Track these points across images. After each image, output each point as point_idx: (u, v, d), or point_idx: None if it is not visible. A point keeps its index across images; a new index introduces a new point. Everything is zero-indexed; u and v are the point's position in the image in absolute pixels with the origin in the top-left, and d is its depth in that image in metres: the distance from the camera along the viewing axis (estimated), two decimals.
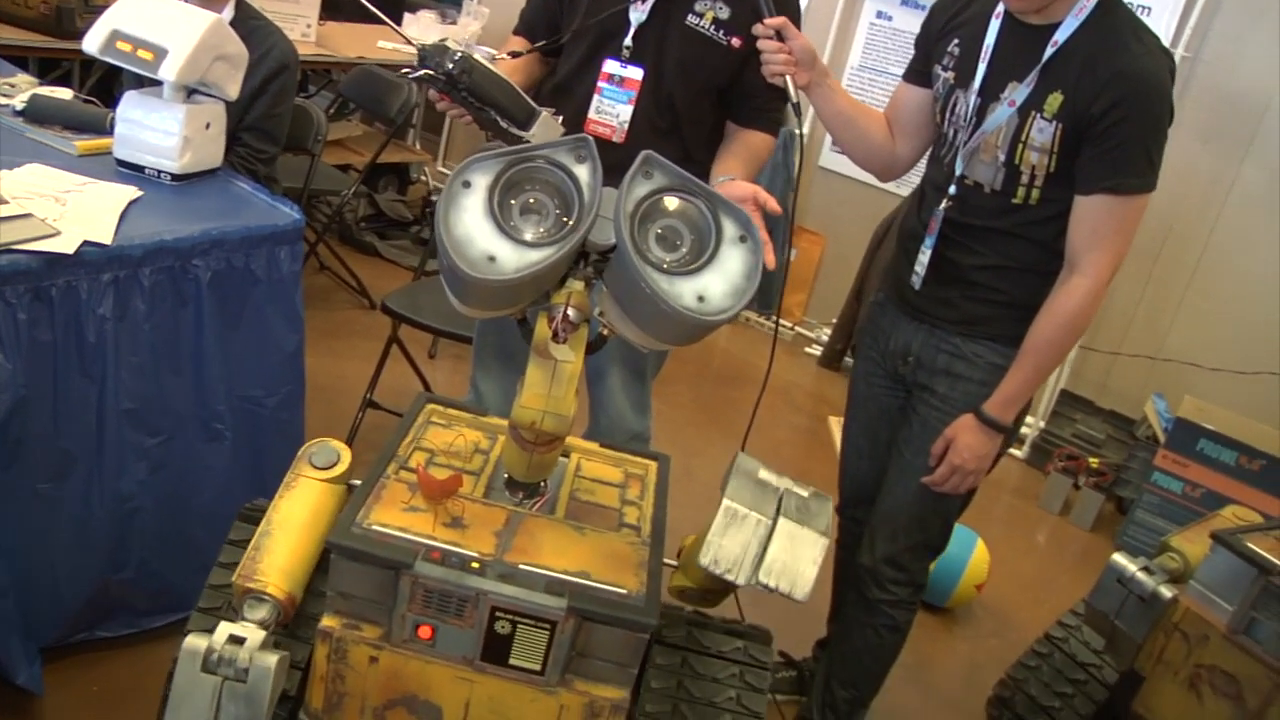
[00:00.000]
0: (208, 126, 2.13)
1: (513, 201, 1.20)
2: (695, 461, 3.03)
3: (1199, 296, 3.77)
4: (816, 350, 4.48)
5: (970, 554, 2.78)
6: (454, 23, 4.97)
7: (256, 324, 1.99)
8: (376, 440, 2.88)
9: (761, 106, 1.99)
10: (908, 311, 1.89)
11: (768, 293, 4.51)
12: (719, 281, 1.18)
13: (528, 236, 1.17)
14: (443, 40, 1.55)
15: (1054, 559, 3.46)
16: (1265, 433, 3.46)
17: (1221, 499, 3.29)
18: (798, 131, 1.80)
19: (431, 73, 1.53)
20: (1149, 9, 3.60)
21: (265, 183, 2.49)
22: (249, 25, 2.53)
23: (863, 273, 4.17)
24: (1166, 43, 3.54)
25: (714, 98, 1.96)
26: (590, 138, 1.20)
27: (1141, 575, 2.02)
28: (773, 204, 1.67)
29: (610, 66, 1.93)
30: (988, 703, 2.44)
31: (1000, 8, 1.70)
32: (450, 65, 1.52)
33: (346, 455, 1.44)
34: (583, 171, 1.20)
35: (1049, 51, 1.63)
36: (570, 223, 1.18)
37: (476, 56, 1.54)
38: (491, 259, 1.16)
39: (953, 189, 1.75)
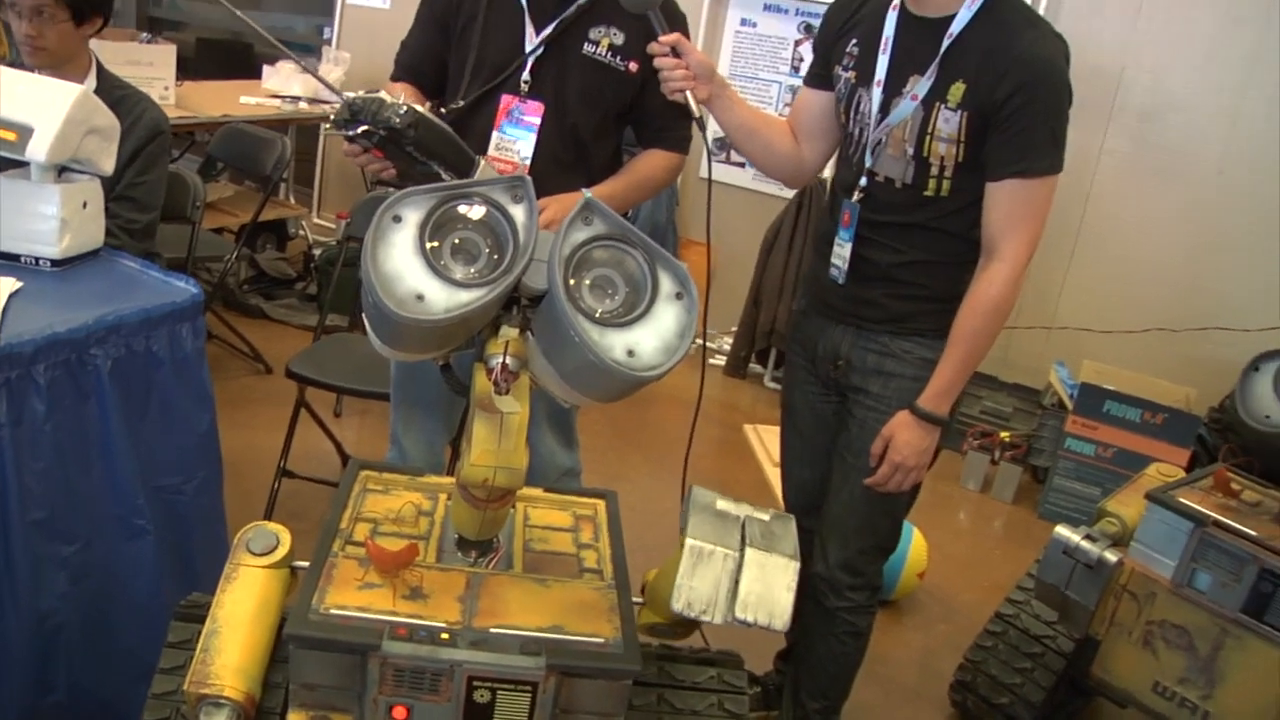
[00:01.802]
0: (85, 205, 2.02)
1: (444, 240, 1.14)
2: (621, 487, 2.96)
3: (1083, 264, 3.91)
4: (720, 360, 4.50)
5: (909, 544, 2.81)
6: (315, 71, 4.86)
7: (165, 408, 1.88)
8: (297, 509, 2.78)
9: (664, 127, 1.99)
10: (832, 316, 1.89)
11: None
12: (651, 337, 1.15)
13: (458, 276, 1.12)
14: (373, 91, 1.48)
15: (984, 536, 3.53)
16: (1163, 386, 3.60)
17: (1132, 456, 3.41)
18: (702, 133, 1.79)
19: (369, 128, 1.46)
20: None
21: (146, 257, 2.37)
22: (115, 95, 2.42)
23: (757, 279, 4.21)
24: None
25: (615, 124, 1.94)
26: (528, 178, 1.15)
27: (1086, 544, 2.06)
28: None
29: (508, 102, 1.89)
30: (950, 688, 2.47)
31: (895, 2, 1.72)
32: (396, 120, 1.45)
33: (286, 537, 1.37)
34: (519, 212, 1.15)
35: (946, 43, 1.65)
36: (503, 264, 1.14)
37: (420, 108, 1.47)
38: (420, 298, 1.10)
39: (863, 181, 1.77)
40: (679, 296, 1.18)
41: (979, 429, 3.79)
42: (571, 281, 1.15)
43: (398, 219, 1.12)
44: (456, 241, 1.14)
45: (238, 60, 6.13)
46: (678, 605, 1.25)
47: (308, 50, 5.48)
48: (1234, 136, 3.66)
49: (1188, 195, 3.74)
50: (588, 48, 1.89)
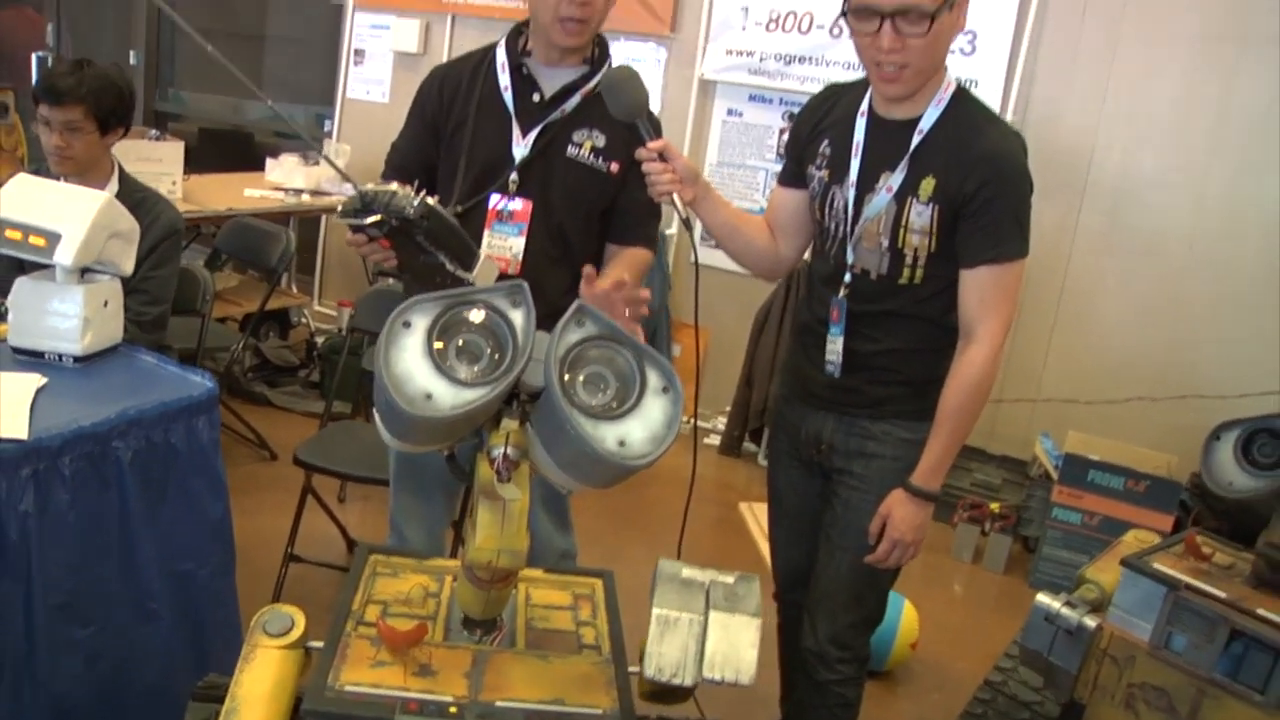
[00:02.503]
0: (106, 304, 2.14)
1: (450, 342, 1.25)
2: (620, 566, 3.02)
3: (1064, 337, 4.03)
4: (715, 439, 4.59)
5: (900, 615, 2.88)
6: (316, 163, 5.03)
7: (181, 496, 1.97)
8: (305, 593, 2.85)
9: (638, 224, 2.10)
10: (813, 403, 1.99)
11: None
12: (640, 428, 1.25)
13: (463, 376, 1.22)
14: (386, 184, 1.56)
15: (976, 605, 3.59)
16: (1145, 454, 3.70)
17: (1117, 523, 3.49)
18: (689, 233, 1.90)
19: (381, 217, 1.54)
20: (977, 82, 3.90)
21: (155, 351, 2.48)
22: (134, 197, 2.55)
23: (749, 360, 4.32)
24: (995, 109, 3.87)
25: (599, 221, 2.07)
26: (525, 284, 1.26)
27: (1066, 610, 2.13)
28: (639, 303, 1.74)
29: (498, 202, 2.01)
30: None
31: (865, 105, 1.85)
32: (410, 210, 1.52)
33: (300, 619, 1.45)
34: (517, 316, 1.26)
35: (916, 140, 1.78)
36: (504, 364, 1.25)
37: (431, 201, 1.55)
38: (428, 396, 1.20)
39: (847, 277, 1.88)
40: (665, 390, 1.29)
41: (969, 501, 3.87)
42: (566, 378, 1.25)
43: (407, 324, 1.23)
44: (461, 343, 1.25)
45: (239, 150, 6.33)
46: (649, 671, 1.33)
47: (308, 145, 5.66)
48: (1201, 212, 3.80)
49: (1161, 268, 3.87)
50: (571, 150, 2.02)
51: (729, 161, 4.52)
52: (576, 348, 1.28)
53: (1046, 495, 3.71)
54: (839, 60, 4.17)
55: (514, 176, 2.01)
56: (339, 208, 1.60)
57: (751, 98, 4.45)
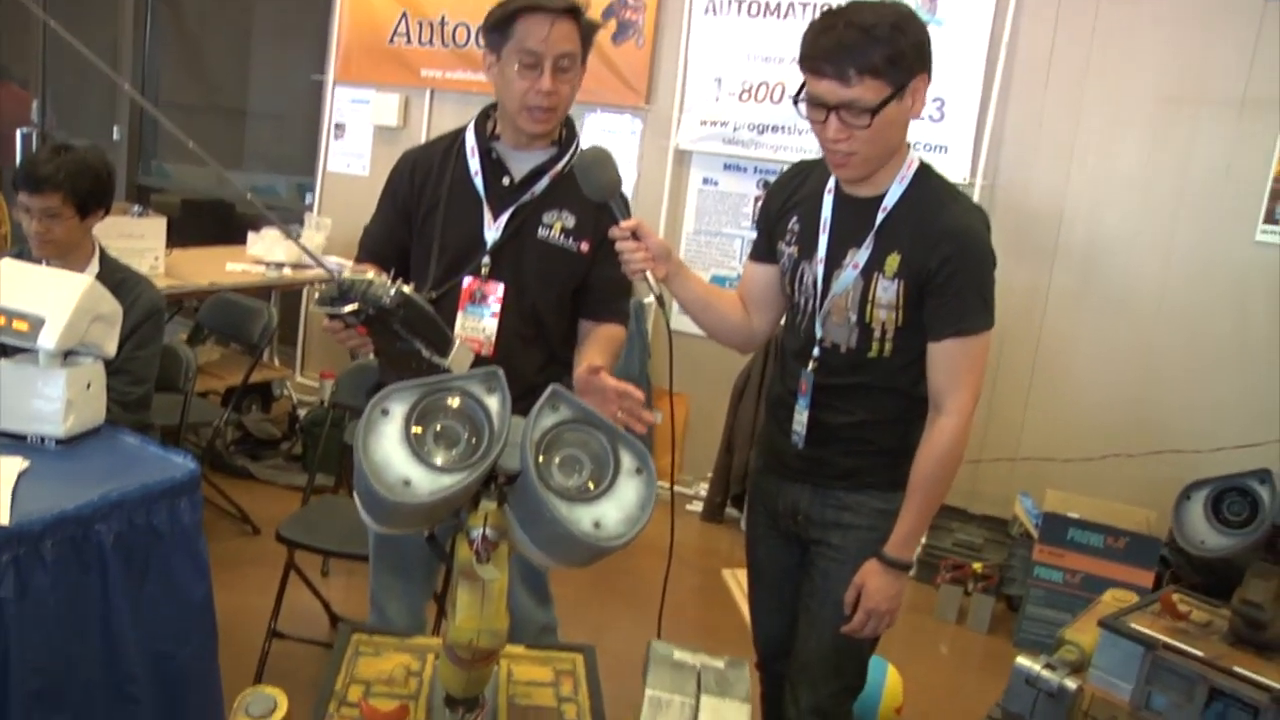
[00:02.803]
0: (89, 386, 2.16)
1: (428, 427, 1.28)
2: (604, 636, 3.06)
3: (1041, 396, 4.08)
4: (697, 506, 4.60)
5: (884, 679, 2.88)
6: (298, 236, 5.08)
7: (163, 578, 1.98)
8: (288, 669, 2.83)
9: (609, 300, 2.14)
10: (788, 475, 2.01)
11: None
12: (615, 510, 1.28)
13: (441, 462, 1.25)
14: (362, 272, 1.59)
15: (961, 667, 3.59)
16: (1124, 510, 3.73)
17: (1099, 580, 3.51)
18: (663, 310, 1.93)
19: (358, 306, 1.56)
20: (946, 148, 4.00)
21: (137, 430, 2.49)
22: (116, 278, 2.58)
23: (729, 426, 4.35)
24: (965, 174, 4.00)
25: (571, 299, 2.11)
26: (500, 371, 1.29)
27: (1046, 673, 2.14)
28: (641, 420, 1.76)
29: (470, 285, 2.05)
30: None
31: (832, 183, 1.90)
32: (387, 300, 1.55)
33: (283, 701, 1.45)
34: (493, 402, 1.29)
35: (880, 217, 1.83)
36: (481, 449, 1.27)
37: (407, 289, 1.58)
38: (407, 483, 1.23)
39: (815, 351, 1.92)
40: (639, 471, 1.32)
41: (951, 561, 3.89)
42: (541, 459, 1.28)
43: (385, 412, 1.26)
44: (439, 429, 1.28)
45: (222, 221, 6.38)
46: None
47: (290, 215, 5.72)
48: (1169, 270, 3.88)
49: (1132, 326, 3.94)
50: (542, 231, 2.06)
51: (705, 229, 4.59)
52: (551, 431, 1.31)
53: (1028, 554, 3.73)
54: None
55: (486, 260, 2.04)
56: (315, 295, 1.62)
57: (726, 166, 4.54)
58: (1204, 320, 3.85)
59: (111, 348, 2.20)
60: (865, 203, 1.85)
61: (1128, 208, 3.93)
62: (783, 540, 2.07)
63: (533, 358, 2.06)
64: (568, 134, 2.11)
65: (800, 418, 1.94)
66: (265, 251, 4.89)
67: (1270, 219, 3.77)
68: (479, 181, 2.07)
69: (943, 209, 1.81)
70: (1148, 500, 3.79)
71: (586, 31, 2.02)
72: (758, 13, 4.36)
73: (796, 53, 4.49)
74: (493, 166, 2.08)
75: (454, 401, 1.29)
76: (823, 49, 1.74)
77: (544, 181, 2.07)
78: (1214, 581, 3.52)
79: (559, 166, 2.07)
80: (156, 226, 4.38)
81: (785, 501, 2.02)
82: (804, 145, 4.28)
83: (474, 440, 1.29)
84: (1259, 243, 3.77)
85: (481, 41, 2.07)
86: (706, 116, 4.51)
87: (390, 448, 1.24)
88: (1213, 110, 3.79)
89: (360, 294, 1.56)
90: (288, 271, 4.66)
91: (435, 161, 2.11)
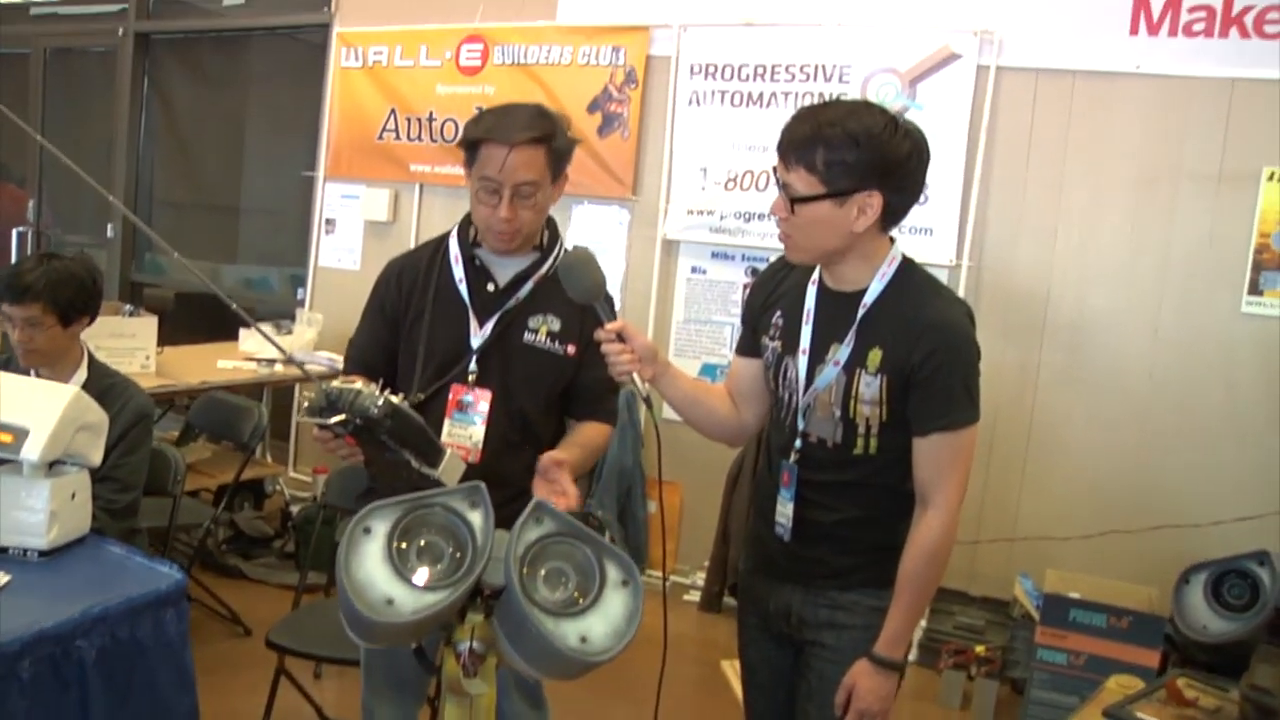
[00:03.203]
0: (73, 496, 2.14)
1: (411, 544, 1.27)
2: None
3: (1036, 475, 4.06)
4: (695, 595, 4.53)
5: None
6: (289, 332, 5.10)
7: (146, 693, 1.94)
8: None
9: (596, 400, 2.14)
10: (779, 575, 1.98)
11: (639, 549, 4.59)
12: (601, 624, 1.26)
13: (424, 579, 1.23)
14: (349, 382, 1.58)
15: None
16: (1125, 588, 3.68)
17: (1104, 661, 3.45)
18: (650, 412, 1.92)
19: (346, 417, 1.55)
20: (931, 230, 4.04)
21: (125, 537, 2.47)
22: (104, 384, 2.58)
23: (724, 514, 4.32)
24: (951, 256, 4.03)
25: (558, 402, 2.10)
26: (483, 485, 1.29)
27: None
28: (569, 499, 1.77)
29: (458, 391, 2.04)
30: None
31: (816, 275, 1.90)
32: (374, 410, 1.54)
33: None
34: (476, 517, 1.28)
35: (861, 312, 1.82)
36: (464, 565, 1.26)
37: (395, 399, 1.58)
38: (390, 602, 1.21)
39: (798, 443, 1.90)
40: (625, 583, 1.30)
41: (953, 646, 3.83)
42: (526, 573, 1.27)
43: (368, 530, 1.25)
44: (422, 544, 1.27)
45: (216, 313, 6.39)
46: None
47: (283, 309, 5.74)
48: (1157, 344, 3.90)
49: (1124, 401, 3.94)
50: (528, 336, 2.06)
51: (695, 318, 4.61)
52: (536, 545, 1.30)
53: (1030, 636, 3.67)
54: None
55: (473, 366, 2.04)
56: (303, 405, 1.62)
57: (714, 255, 4.58)
58: (1195, 394, 3.85)
59: (97, 457, 2.19)
60: (847, 297, 1.85)
61: (1113, 284, 3.96)
62: (775, 642, 2.03)
63: (521, 461, 2.05)
64: (550, 237, 2.13)
65: (784, 510, 1.92)
66: (257, 347, 4.89)
67: (1254, 290, 3.80)
68: (463, 289, 2.09)
69: (925, 303, 1.81)
70: (1149, 577, 3.74)
71: (558, 154, 2.03)
72: (741, 102, 4.44)
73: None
74: (476, 273, 2.10)
75: (436, 518, 1.28)
76: (784, 129, 1.78)
77: (528, 286, 2.08)
78: (1220, 660, 3.49)
79: (542, 271, 2.09)
80: (147, 326, 4.39)
81: (777, 603, 1.99)
82: None
83: (457, 556, 1.28)
84: (1245, 314, 3.80)
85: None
86: (693, 206, 4.57)
87: (372, 566, 1.22)
88: (1191, 186, 3.84)
89: (347, 404, 1.56)
90: (279, 368, 4.66)
91: (421, 268, 2.13)
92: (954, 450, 1.80)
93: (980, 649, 3.78)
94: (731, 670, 3.82)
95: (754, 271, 4.50)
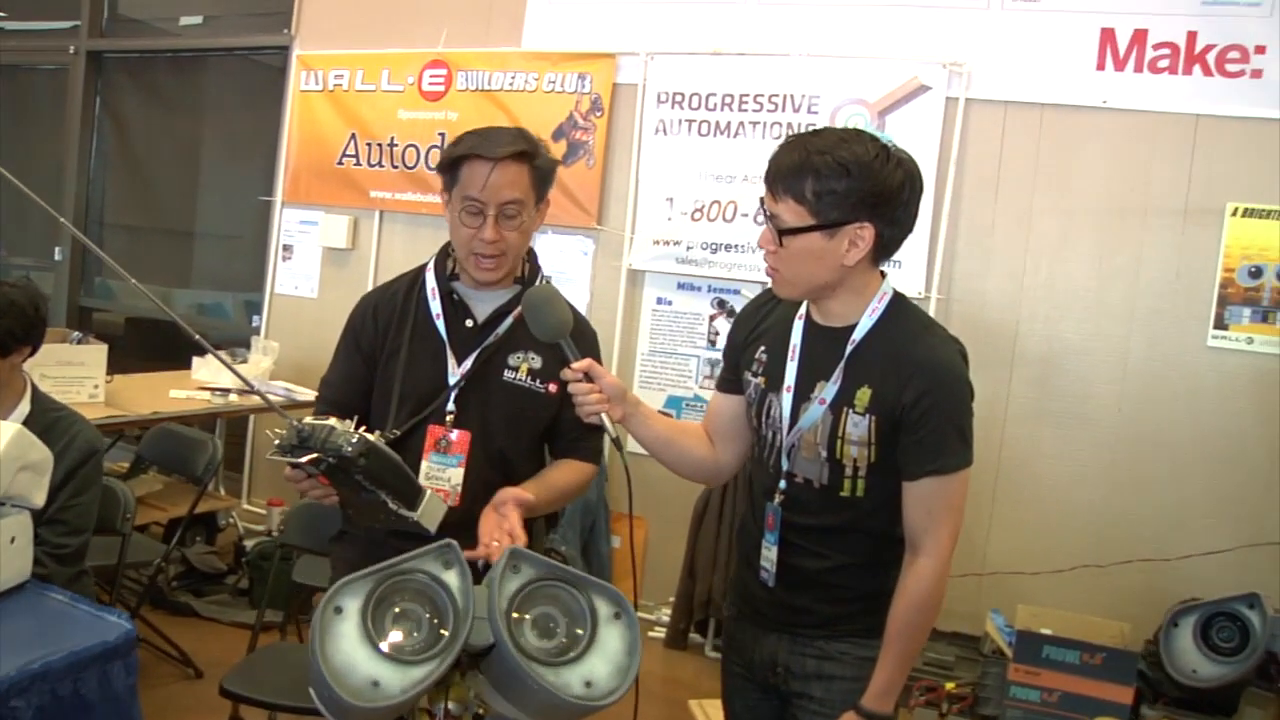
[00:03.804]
0: (13, 540, 2.02)
1: (386, 615, 1.18)
2: None
3: (1005, 509, 4.03)
4: (660, 632, 4.44)
5: None
6: (244, 361, 4.96)
7: None
8: None
9: (579, 439, 2.06)
10: (764, 624, 1.91)
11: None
12: (602, 664, 1.20)
13: (406, 653, 1.15)
14: (323, 418, 1.50)
15: None
16: (1097, 624, 3.65)
17: (1077, 699, 3.40)
18: (620, 453, 1.83)
19: (318, 455, 1.47)
20: (899, 263, 4.01)
21: (70, 585, 2.33)
22: (49, 417, 2.45)
23: (690, 550, 4.24)
24: (921, 288, 4.00)
25: (539, 442, 2.02)
26: (454, 543, 1.21)
27: None
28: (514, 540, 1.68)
29: (435, 433, 1.95)
30: None
31: (803, 310, 1.84)
32: (349, 448, 1.46)
33: None
34: (452, 577, 1.21)
35: (849, 349, 1.76)
36: (447, 632, 1.18)
37: (371, 437, 1.50)
38: (376, 684, 1.13)
39: (783, 484, 1.83)
40: (618, 616, 1.24)
41: (924, 683, 3.76)
42: (515, 622, 1.19)
43: (339, 610, 1.16)
44: (398, 611, 1.18)
45: (166, 339, 6.25)
46: None
47: (237, 337, 5.61)
48: (1126, 377, 3.90)
49: (1094, 434, 3.93)
50: (508, 374, 1.98)
51: (660, 349, 4.54)
52: (517, 596, 1.23)
53: (1001, 672, 3.61)
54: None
55: (450, 405, 1.96)
56: (274, 442, 1.53)
57: (680, 286, 4.52)
58: (1163, 427, 3.85)
59: (40, 498, 2.07)
60: (835, 333, 1.79)
61: (1082, 317, 3.95)
62: (761, 692, 1.95)
63: None
64: (531, 270, 2.06)
65: (769, 554, 1.85)
66: (210, 376, 4.76)
67: (1219, 325, 3.81)
68: (441, 325, 2.00)
69: (916, 341, 1.75)
70: (1120, 612, 3.71)
71: (541, 174, 1.97)
72: (708, 132, 4.39)
73: (748, 171, 4.54)
74: (454, 308, 2.02)
75: (411, 585, 1.20)
76: (772, 158, 1.73)
77: (507, 322, 2.00)
78: (1193, 697, 3.47)
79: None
80: (96, 354, 4.24)
81: (762, 653, 1.91)
82: (759, 263, 4.25)
83: (436, 620, 1.20)
84: (1210, 348, 3.81)
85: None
86: (659, 236, 4.51)
87: (350, 649, 1.14)
88: (1158, 220, 3.86)
89: (319, 442, 1.48)
90: (234, 398, 4.53)
91: (397, 303, 2.04)
92: (946, 495, 1.74)
93: (950, 685, 3.73)
94: (699, 710, 3.73)
95: (720, 303, 4.46)
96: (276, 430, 1.52)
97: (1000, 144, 4.02)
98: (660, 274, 4.55)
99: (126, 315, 6.58)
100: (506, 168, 1.91)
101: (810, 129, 1.78)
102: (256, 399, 4.62)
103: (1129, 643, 3.59)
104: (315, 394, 4.62)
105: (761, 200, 1.76)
